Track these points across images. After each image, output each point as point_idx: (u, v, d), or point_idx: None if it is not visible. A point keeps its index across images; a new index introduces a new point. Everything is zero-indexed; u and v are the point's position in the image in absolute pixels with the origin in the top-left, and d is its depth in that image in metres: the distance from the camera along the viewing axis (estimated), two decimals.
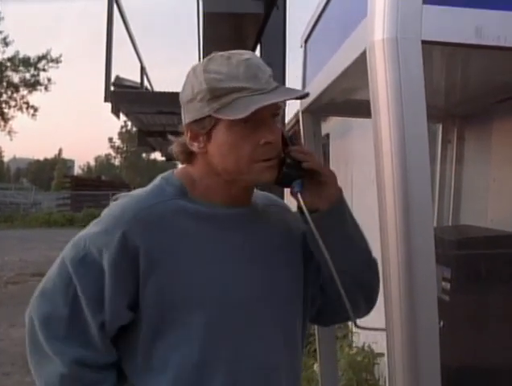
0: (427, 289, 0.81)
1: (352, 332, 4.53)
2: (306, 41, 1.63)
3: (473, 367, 1.42)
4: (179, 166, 1.20)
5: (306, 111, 1.60)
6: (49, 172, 55.53)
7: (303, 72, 1.64)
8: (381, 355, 3.72)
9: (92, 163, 72.74)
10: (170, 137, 1.15)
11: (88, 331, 1.06)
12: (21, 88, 28.67)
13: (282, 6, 4.18)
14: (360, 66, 0.90)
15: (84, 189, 26.54)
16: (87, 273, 1.05)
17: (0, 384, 4.69)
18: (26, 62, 28.22)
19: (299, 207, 1.12)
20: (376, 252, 1.08)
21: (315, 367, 3.25)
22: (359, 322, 1.13)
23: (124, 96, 5.28)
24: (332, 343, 1.73)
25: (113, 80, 5.10)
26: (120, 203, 1.11)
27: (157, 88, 7.33)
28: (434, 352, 0.81)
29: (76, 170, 71.02)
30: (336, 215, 1.10)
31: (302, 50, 1.69)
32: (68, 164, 67.39)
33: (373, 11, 0.82)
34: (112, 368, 1.10)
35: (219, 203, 1.11)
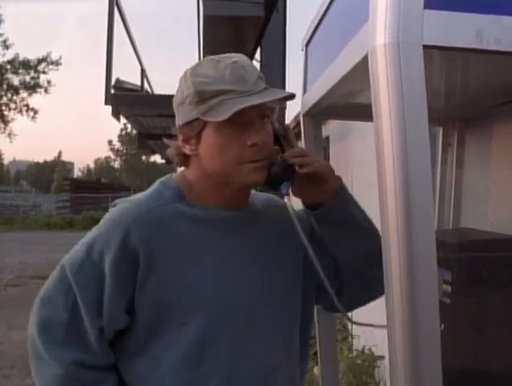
0: (428, 292, 0.81)
1: (352, 335, 4.53)
2: (307, 45, 1.63)
3: (474, 369, 1.42)
4: (179, 169, 1.22)
5: (307, 114, 1.60)
6: (49, 174, 55.57)
7: (304, 76, 1.64)
8: (382, 357, 3.71)
9: (92, 166, 72.81)
10: (165, 140, 1.17)
11: (87, 336, 1.07)
12: (21, 91, 28.67)
13: (282, 9, 4.19)
14: (361, 70, 0.91)
15: (84, 191, 26.55)
16: (86, 280, 1.06)
17: None
18: (26, 64, 28.22)
19: (305, 205, 1.15)
20: None
21: (316, 370, 3.25)
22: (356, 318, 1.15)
23: (124, 98, 5.29)
24: (332, 346, 1.73)
25: (113, 82, 5.11)
26: (119, 208, 1.12)
27: (157, 91, 7.35)
28: (435, 355, 0.81)
29: (76, 173, 71.14)
30: (342, 205, 1.12)
31: (302, 53, 1.70)
32: (67, 166, 67.46)
33: (374, 16, 0.82)
34: (112, 369, 1.11)
35: (215, 206, 1.12)
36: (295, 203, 1.22)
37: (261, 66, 4.34)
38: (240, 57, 1.09)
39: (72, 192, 26.71)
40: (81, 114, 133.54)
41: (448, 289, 1.41)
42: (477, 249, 1.46)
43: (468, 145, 1.86)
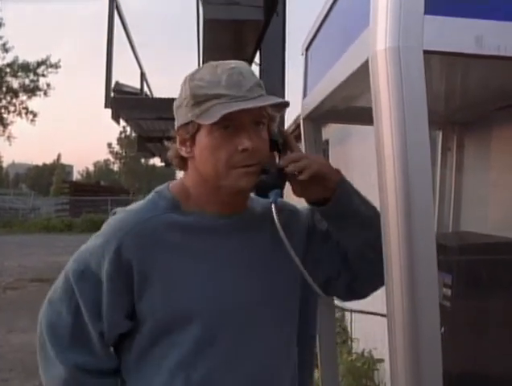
0: (429, 295, 0.81)
1: (351, 338, 4.53)
2: (307, 49, 1.64)
3: (474, 373, 1.43)
4: (178, 171, 1.23)
5: (307, 118, 1.61)
6: (48, 177, 55.48)
7: (304, 80, 1.65)
8: (381, 360, 3.72)
9: (91, 169, 72.81)
10: (165, 142, 1.18)
11: (90, 339, 1.11)
12: (20, 94, 28.69)
13: (281, 13, 4.20)
14: (362, 74, 0.91)
15: (83, 194, 26.54)
16: (87, 286, 1.10)
17: None
18: (26, 67, 28.24)
19: (310, 203, 1.15)
20: None
21: (316, 372, 3.26)
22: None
23: (124, 102, 5.30)
24: (332, 349, 1.74)
25: (112, 85, 5.12)
26: (116, 217, 1.16)
27: (156, 94, 7.36)
28: (436, 358, 0.81)
29: (75, 176, 71.14)
30: (345, 197, 1.12)
31: (302, 57, 1.71)
32: (66, 169, 67.39)
33: (375, 21, 0.83)
34: (113, 374, 1.14)
35: (212, 211, 1.14)
36: (294, 201, 1.23)
37: (260, 69, 4.34)
38: (239, 64, 1.10)
39: (71, 195, 26.71)
40: (80, 117, 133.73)
41: (448, 292, 1.41)
42: (477, 252, 1.46)
43: (468, 148, 1.87)
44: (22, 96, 28.81)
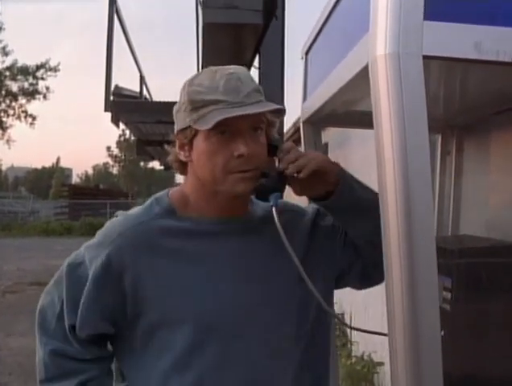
0: (429, 299, 0.82)
1: (351, 341, 4.53)
2: (307, 53, 1.65)
3: (475, 375, 1.43)
4: (177, 175, 1.25)
5: (307, 122, 1.62)
6: (47, 181, 55.55)
7: (304, 84, 1.66)
8: (381, 364, 3.72)
9: (90, 172, 72.77)
10: (166, 147, 1.19)
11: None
12: (19, 97, 28.68)
13: (281, 17, 4.21)
14: (362, 79, 0.92)
15: (82, 198, 26.53)
16: (76, 277, 1.14)
17: None
18: (25, 71, 28.25)
19: (313, 199, 1.16)
20: None
21: None
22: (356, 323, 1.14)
23: (124, 105, 5.31)
24: (333, 351, 1.74)
25: (112, 89, 5.13)
26: (113, 220, 1.19)
27: (156, 98, 7.37)
28: (436, 361, 0.82)
29: (74, 179, 71.08)
30: (347, 188, 1.12)
31: (302, 61, 1.72)
32: (66, 173, 67.49)
33: (375, 26, 0.84)
34: (96, 362, 1.19)
35: (211, 216, 1.15)
36: (295, 200, 1.23)
37: (259, 73, 4.35)
38: (238, 69, 1.11)
39: (70, 198, 26.67)
40: (79, 120, 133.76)
41: (448, 295, 1.42)
42: (477, 256, 1.47)
43: (467, 152, 1.87)
44: (22, 100, 28.83)
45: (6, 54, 27.47)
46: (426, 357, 0.82)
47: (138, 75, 6.83)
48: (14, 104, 28.66)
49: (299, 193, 1.14)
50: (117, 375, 1.22)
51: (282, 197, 1.13)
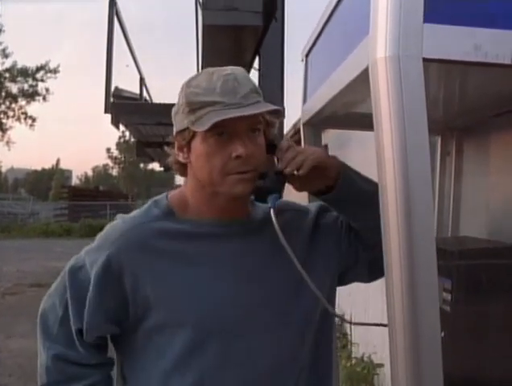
0: (429, 300, 0.82)
1: (351, 343, 4.53)
2: (307, 55, 1.65)
3: (475, 377, 1.43)
4: (177, 177, 1.25)
5: (307, 124, 1.63)
6: (47, 182, 55.51)
7: (304, 86, 1.66)
8: (381, 365, 3.71)
9: (90, 173, 72.80)
10: (166, 148, 1.20)
11: (72, 334, 1.16)
12: (19, 99, 28.69)
13: (280, 19, 4.22)
14: (362, 81, 0.93)
15: (82, 199, 26.53)
16: (78, 281, 1.14)
17: None
18: (25, 72, 28.26)
19: (314, 193, 1.16)
20: None
21: None
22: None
23: (124, 107, 5.32)
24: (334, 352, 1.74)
25: (112, 90, 5.13)
26: (112, 223, 1.19)
27: (156, 99, 7.37)
28: (436, 362, 0.82)
29: (74, 181, 71.15)
30: (347, 181, 1.12)
31: (302, 63, 1.72)
32: (65, 174, 67.42)
33: (375, 29, 0.84)
34: (98, 367, 1.19)
35: (211, 218, 1.15)
36: (295, 196, 1.23)
37: (259, 75, 4.36)
38: (235, 70, 1.10)
39: (69, 200, 26.67)
40: (79, 122, 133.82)
41: (448, 297, 1.42)
42: (477, 257, 1.47)
43: (467, 154, 1.88)
44: (21, 101, 28.86)
45: (5, 56, 27.50)
46: (426, 358, 0.82)
47: (138, 76, 6.84)
48: (13, 105, 28.70)
49: (299, 189, 1.13)
50: (118, 379, 1.22)
51: (280, 197, 1.13)
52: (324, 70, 1.35)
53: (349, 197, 1.13)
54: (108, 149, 57.69)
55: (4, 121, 28.60)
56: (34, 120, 29.43)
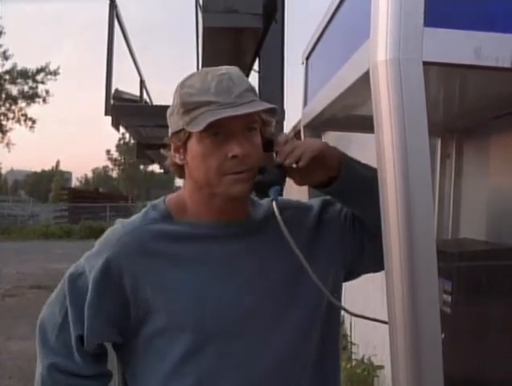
0: (429, 302, 0.83)
1: (352, 343, 4.53)
2: (307, 58, 1.66)
3: (475, 378, 1.44)
4: (177, 179, 1.24)
5: (308, 126, 1.63)
6: (47, 184, 55.52)
7: (305, 88, 1.67)
8: (381, 367, 3.71)
9: (90, 175, 72.76)
10: (162, 151, 1.19)
11: (71, 343, 1.14)
12: (19, 101, 28.72)
13: (280, 21, 4.22)
14: (362, 84, 0.93)
15: (82, 201, 26.48)
16: (78, 287, 1.13)
17: None
18: (25, 74, 28.28)
19: (316, 186, 1.14)
20: None
21: None
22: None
23: (124, 109, 5.31)
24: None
25: (112, 92, 5.14)
26: (112, 229, 1.19)
27: (156, 101, 7.38)
28: (437, 364, 0.83)
29: (74, 182, 71.08)
30: (349, 171, 1.11)
31: (302, 66, 1.73)
32: (65, 176, 67.44)
33: (375, 33, 0.85)
34: (97, 378, 1.17)
35: (210, 220, 1.14)
36: (296, 192, 1.23)
37: (259, 77, 4.37)
38: (230, 69, 1.10)
39: (69, 202, 26.65)
40: (79, 124, 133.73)
41: (448, 298, 1.42)
42: (477, 259, 1.47)
43: (467, 155, 1.89)
44: (21, 103, 28.89)
45: (6, 58, 27.53)
46: (426, 359, 0.83)
47: (139, 79, 6.85)
48: (13, 107, 28.75)
49: (299, 183, 1.12)
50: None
51: (282, 190, 1.11)
52: (324, 73, 1.36)
53: (353, 186, 1.11)
54: (108, 151, 57.77)
55: (4, 122, 28.67)
56: (34, 122, 29.51)
